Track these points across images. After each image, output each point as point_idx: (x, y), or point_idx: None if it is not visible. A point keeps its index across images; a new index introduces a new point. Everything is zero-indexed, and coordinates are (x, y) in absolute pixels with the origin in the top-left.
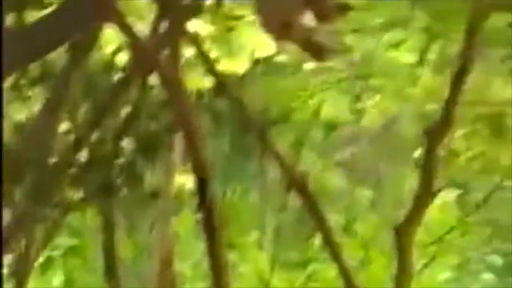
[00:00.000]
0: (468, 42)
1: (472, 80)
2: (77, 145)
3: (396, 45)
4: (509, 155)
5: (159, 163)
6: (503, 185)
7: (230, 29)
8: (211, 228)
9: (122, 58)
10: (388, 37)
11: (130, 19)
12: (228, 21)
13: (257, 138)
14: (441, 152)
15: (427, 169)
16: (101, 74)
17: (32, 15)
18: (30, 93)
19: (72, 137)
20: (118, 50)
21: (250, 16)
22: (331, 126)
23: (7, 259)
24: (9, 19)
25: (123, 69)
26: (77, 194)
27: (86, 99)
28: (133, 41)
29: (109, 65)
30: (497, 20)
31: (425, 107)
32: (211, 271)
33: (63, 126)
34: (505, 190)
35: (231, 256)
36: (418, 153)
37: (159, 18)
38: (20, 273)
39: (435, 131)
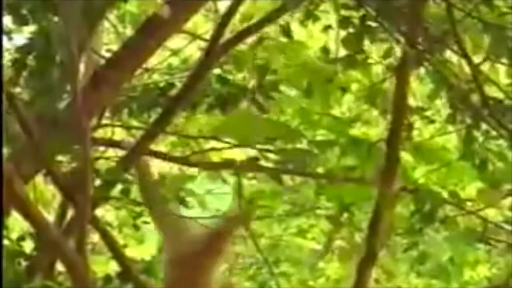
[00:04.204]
0: (373, 230)
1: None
2: None
3: (302, 232)
4: None
5: None
6: None
7: (137, 216)
8: None
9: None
10: (294, 224)
11: (34, 206)
12: (135, 207)
13: None
14: None
15: None
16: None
17: None
18: None
19: None
20: (22, 237)
21: None
22: None
23: None
24: None
25: (29, 256)
26: None
27: None
28: (37, 229)
29: (15, 253)
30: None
31: None
32: None
33: None
34: None
35: None
36: None
37: (65, 205)
38: None
39: None
